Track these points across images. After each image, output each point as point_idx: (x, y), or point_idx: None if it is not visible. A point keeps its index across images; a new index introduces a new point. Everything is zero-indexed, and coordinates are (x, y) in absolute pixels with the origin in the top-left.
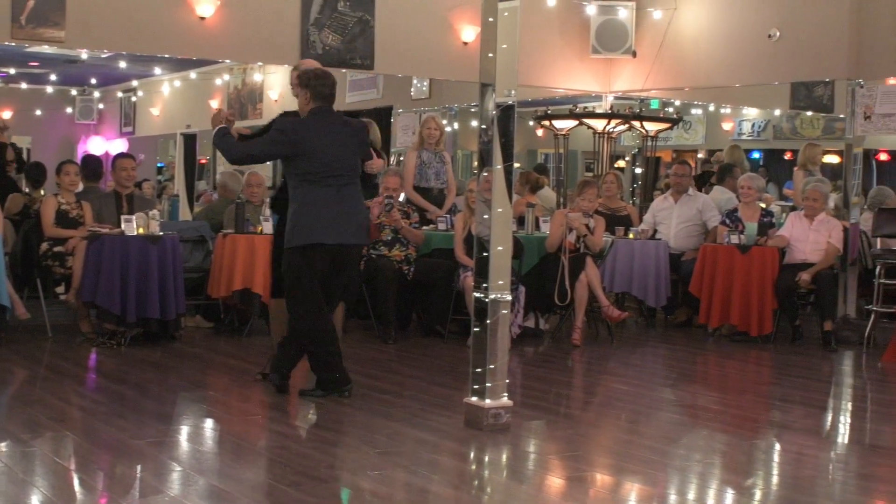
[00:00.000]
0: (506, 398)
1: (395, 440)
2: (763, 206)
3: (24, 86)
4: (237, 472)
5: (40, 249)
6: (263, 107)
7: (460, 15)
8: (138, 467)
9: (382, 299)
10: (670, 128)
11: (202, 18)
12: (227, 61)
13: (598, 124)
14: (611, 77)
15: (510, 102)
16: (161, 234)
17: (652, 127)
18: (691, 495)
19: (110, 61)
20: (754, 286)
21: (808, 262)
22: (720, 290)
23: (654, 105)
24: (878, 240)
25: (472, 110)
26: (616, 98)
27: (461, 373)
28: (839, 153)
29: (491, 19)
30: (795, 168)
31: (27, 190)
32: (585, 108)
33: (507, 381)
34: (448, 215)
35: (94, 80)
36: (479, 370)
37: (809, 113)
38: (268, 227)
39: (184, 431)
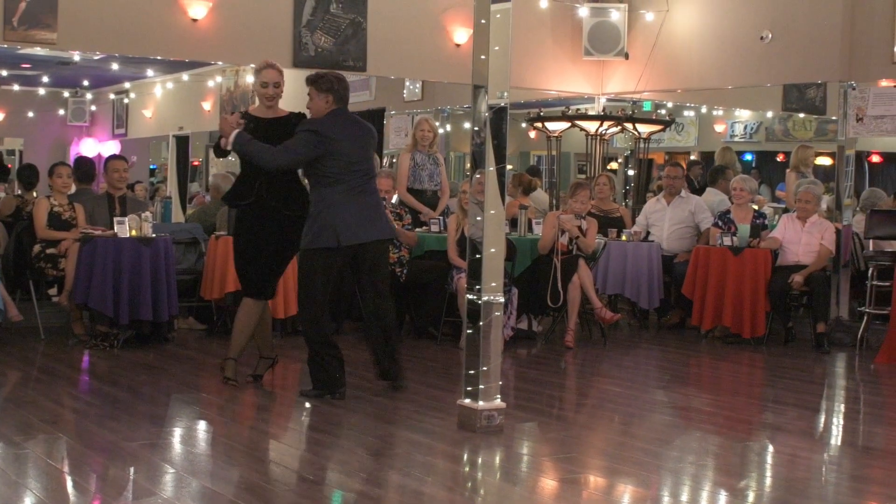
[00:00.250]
0: (499, 400)
1: (388, 442)
2: (755, 207)
3: (16, 88)
4: (230, 473)
5: (33, 251)
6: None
7: (453, 17)
8: (131, 469)
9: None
10: (663, 130)
11: (194, 20)
12: (220, 63)
13: (591, 126)
14: (603, 79)
15: (502, 104)
16: (154, 235)
17: (644, 129)
18: (684, 497)
19: (103, 63)
20: (747, 288)
21: (801, 263)
22: (713, 292)
23: (647, 107)
24: (871, 241)
25: (465, 112)
26: (608, 100)
27: (454, 375)
28: (831, 155)
29: (483, 21)
30: (788, 170)
31: (19, 192)
32: (578, 109)
33: (501, 382)
34: (441, 217)
35: (86, 82)
36: (472, 372)
37: (802, 115)
38: None
39: (177, 433)
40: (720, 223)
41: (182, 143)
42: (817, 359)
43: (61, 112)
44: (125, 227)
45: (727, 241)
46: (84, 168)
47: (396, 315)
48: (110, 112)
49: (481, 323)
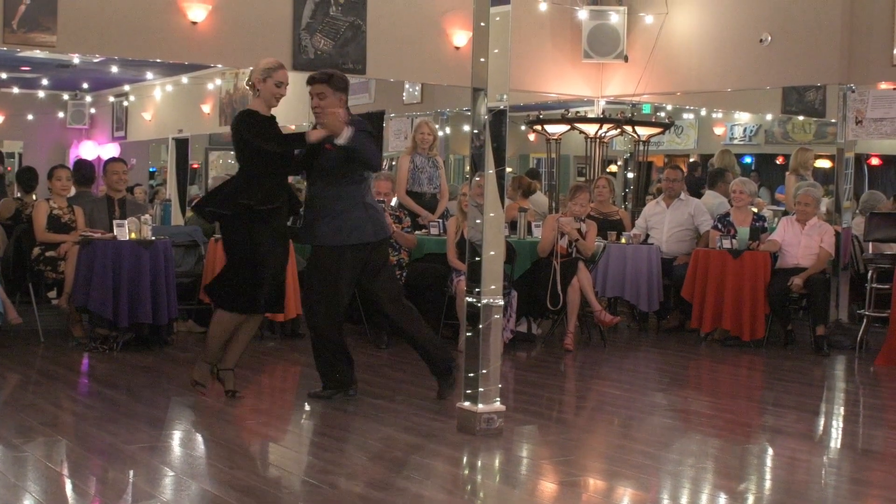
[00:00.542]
0: (498, 403)
1: (387, 445)
2: (755, 210)
3: (15, 90)
4: (230, 476)
5: (32, 254)
6: None
7: (452, 20)
8: (130, 472)
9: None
10: (662, 132)
11: (194, 23)
12: (219, 66)
13: (590, 129)
14: (602, 82)
15: (502, 107)
16: (153, 238)
17: (644, 131)
18: (684, 500)
19: (102, 66)
20: (746, 291)
21: (800, 266)
22: (712, 295)
23: (646, 110)
24: (870, 244)
25: (465, 115)
26: (608, 103)
27: (454, 377)
28: (831, 158)
29: (483, 24)
30: (787, 173)
31: (19, 195)
32: (577, 112)
33: (500, 385)
34: (441, 220)
35: (85, 85)
36: (471, 375)
37: (801, 117)
38: None
39: (176, 436)
40: (720, 226)
41: (181, 145)
42: (817, 361)
43: (61, 115)
44: (125, 230)
45: (727, 243)
46: (83, 171)
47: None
48: (110, 115)
49: (481, 326)
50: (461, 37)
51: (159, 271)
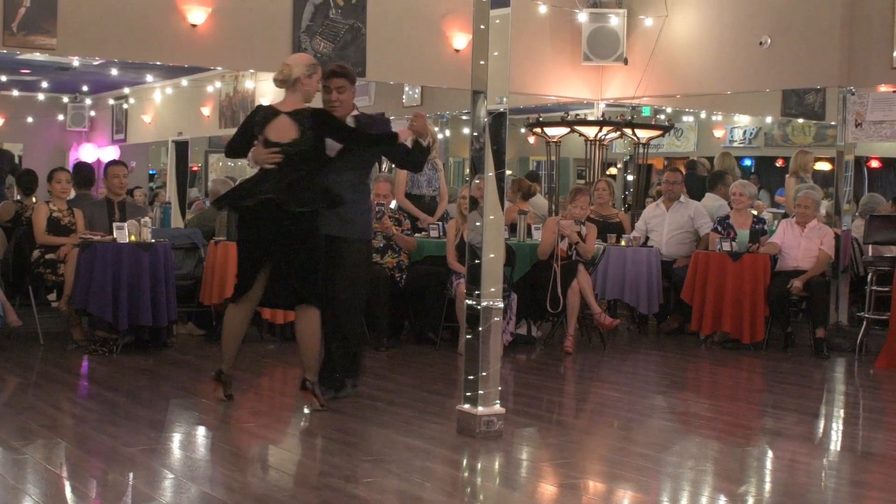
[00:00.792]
0: (498, 405)
1: (387, 447)
2: (755, 213)
3: (15, 93)
4: (229, 479)
5: (32, 257)
6: None
7: (452, 22)
8: (130, 475)
9: (374, 306)
10: (662, 135)
11: (194, 26)
12: (219, 69)
13: (590, 131)
14: (602, 84)
15: (502, 110)
16: (153, 241)
17: (643, 134)
18: (684, 502)
19: (102, 69)
20: (746, 293)
21: (800, 269)
22: (712, 297)
23: (646, 112)
24: (870, 247)
25: (464, 117)
26: (608, 105)
27: (453, 380)
28: (831, 160)
29: (482, 26)
30: (787, 175)
31: (19, 197)
32: (577, 115)
33: (500, 388)
34: (440, 223)
35: (85, 88)
36: (471, 377)
37: (801, 120)
38: None
39: (176, 439)
40: (719, 228)
41: (181, 148)
42: (816, 364)
43: (60, 117)
44: (124, 233)
45: (726, 246)
46: (83, 173)
47: (390, 321)
48: (109, 117)
49: (480, 328)
50: (461, 39)
51: (159, 274)
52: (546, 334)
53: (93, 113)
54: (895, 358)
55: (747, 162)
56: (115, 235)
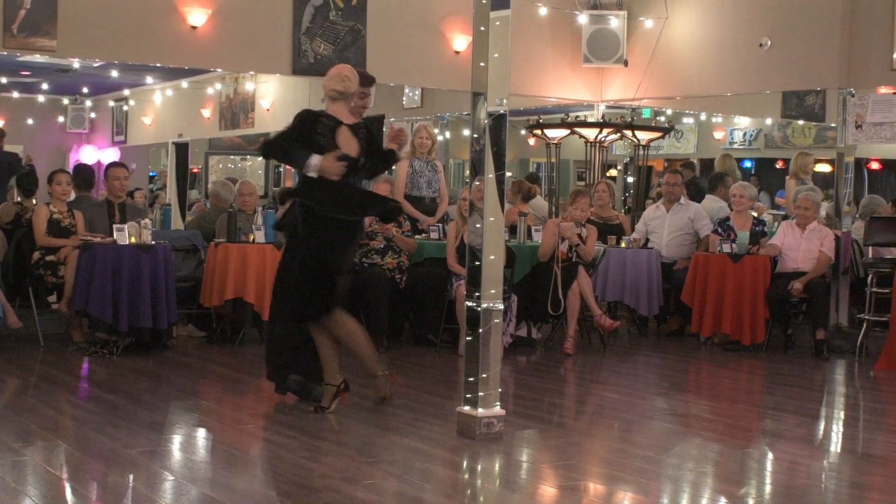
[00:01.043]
0: (498, 407)
1: (387, 449)
2: (755, 214)
3: (15, 95)
4: (230, 481)
5: (32, 258)
6: (255, 116)
7: (452, 24)
8: (130, 476)
9: (375, 308)
10: (662, 137)
11: (194, 28)
12: (219, 70)
13: (590, 133)
14: (602, 86)
15: (502, 111)
16: (153, 243)
17: (644, 136)
18: None
19: (102, 70)
20: (746, 295)
21: (800, 270)
22: (712, 299)
23: (646, 114)
24: (870, 248)
25: (465, 119)
26: (608, 107)
27: (453, 382)
28: (831, 162)
29: (483, 28)
30: (787, 177)
31: (19, 199)
32: (577, 117)
33: (500, 390)
34: (440, 224)
35: (85, 90)
36: (471, 379)
37: (801, 122)
38: (260, 236)
39: (176, 441)
40: (719, 230)
41: (181, 150)
42: (817, 366)
43: (61, 119)
44: (124, 235)
45: (726, 247)
46: (83, 175)
47: (390, 322)
48: (110, 119)
49: (481, 330)
50: (461, 41)
51: (159, 275)
52: (546, 336)
53: (93, 115)
54: (895, 360)
55: (747, 164)
56: (115, 237)
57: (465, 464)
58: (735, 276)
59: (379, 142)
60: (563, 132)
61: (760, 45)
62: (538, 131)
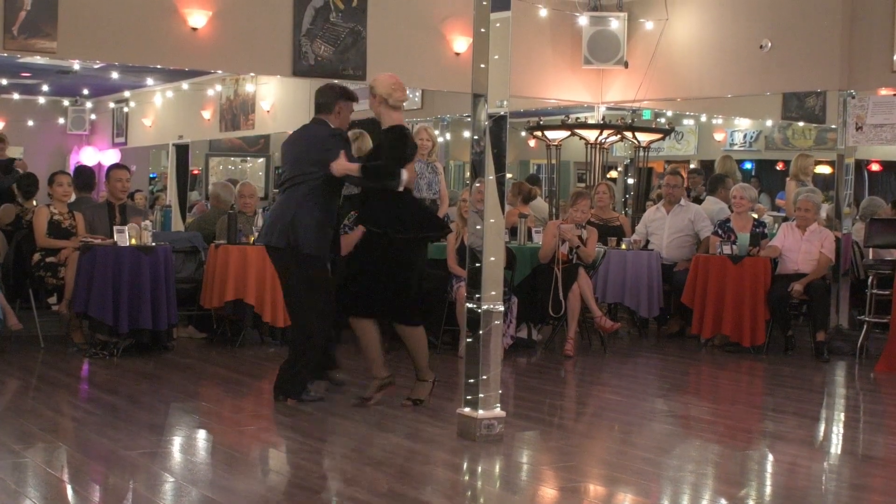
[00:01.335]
0: (499, 409)
1: (387, 451)
2: (755, 216)
3: (15, 96)
4: (230, 482)
5: (32, 260)
6: (256, 118)
7: (452, 26)
8: (131, 478)
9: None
10: (662, 138)
11: (194, 29)
12: (220, 72)
13: (591, 135)
14: (603, 88)
15: (502, 113)
16: (153, 244)
17: (644, 137)
18: None
19: (102, 72)
20: (746, 297)
21: (801, 272)
22: (712, 301)
23: (646, 115)
24: (871, 250)
25: (465, 121)
26: (608, 109)
27: (454, 383)
28: (831, 164)
29: (483, 30)
30: (787, 178)
31: (19, 200)
32: (577, 118)
33: (500, 391)
34: None
35: (86, 91)
36: (471, 381)
37: (801, 123)
38: None
39: (176, 442)
40: (720, 232)
41: (182, 151)
42: (817, 367)
43: (61, 121)
44: (125, 236)
45: (727, 249)
46: (84, 177)
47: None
48: (110, 121)
49: (481, 332)
50: (461, 43)
51: (159, 277)
52: (546, 338)
53: (93, 116)
54: (895, 361)
55: (748, 165)
56: (115, 239)
57: (465, 465)
58: (735, 277)
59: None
60: (563, 134)
61: (761, 46)
62: (538, 133)
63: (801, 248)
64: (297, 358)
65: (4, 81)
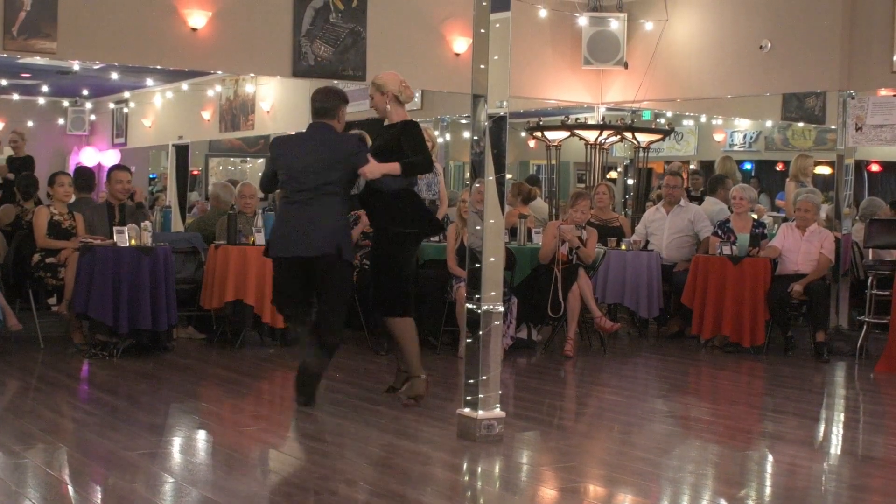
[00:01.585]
0: (498, 409)
1: (387, 451)
2: (755, 216)
3: (15, 97)
4: (230, 483)
5: (32, 260)
6: (255, 118)
7: (452, 26)
8: (131, 479)
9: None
10: (662, 139)
11: (194, 30)
12: (219, 73)
13: (590, 135)
14: (602, 88)
15: (502, 113)
16: (153, 245)
17: (644, 138)
18: None
19: (102, 72)
20: (746, 297)
21: (800, 272)
22: (712, 301)
23: (646, 116)
24: (870, 250)
25: (464, 121)
26: (608, 109)
27: (453, 384)
28: (831, 164)
29: (483, 31)
30: (787, 179)
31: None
32: (577, 119)
33: (500, 392)
34: None
35: (85, 92)
36: (471, 381)
37: (801, 124)
38: (260, 238)
39: (176, 443)
40: (720, 232)
41: (181, 152)
42: (817, 368)
43: (61, 121)
44: (125, 237)
45: (726, 250)
46: (84, 177)
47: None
48: (110, 121)
49: (481, 332)
50: (461, 43)
51: (159, 278)
52: (546, 338)
53: (93, 117)
54: (895, 362)
55: (747, 166)
56: (115, 239)
57: (465, 466)
58: (735, 278)
59: None
60: (563, 134)
61: (760, 47)
62: (538, 133)
63: (801, 249)
64: (327, 364)
65: (4, 82)
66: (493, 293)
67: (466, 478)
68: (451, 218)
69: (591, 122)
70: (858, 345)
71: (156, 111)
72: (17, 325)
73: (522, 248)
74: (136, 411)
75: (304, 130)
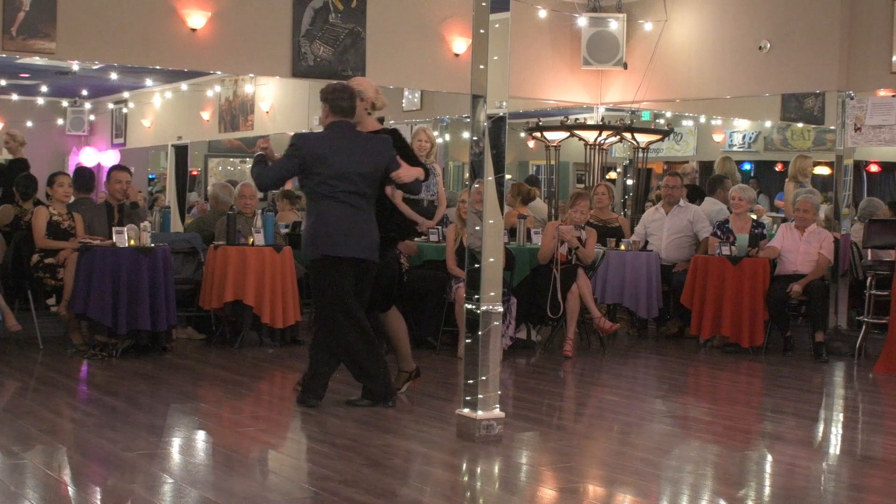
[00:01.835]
0: (498, 409)
1: (386, 452)
2: (754, 217)
3: (14, 97)
4: (229, 484)
5: (31, 261)
6: (255, 118)
7: (451, 27)
8: (130, 479)
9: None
10: (661, 139)
11: (193, 30)
12: (219, 73)
13: (590, 136)
14: (602, 88)
15: (501, 114)
16: (152, 245)
17: (643, 138)
18: None
19: (101, 73)
20: (745, 297)
21: (799, 273)
22: (711, 302)
23: (646, 116)
24: (869, 251)
25: (464, 122)
26: (607, 109)
27: (453, 384)
28: (830, 164)
29: (482, 31)
30: (786, 179)
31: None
32: (577, 119)
33: (499, 392)
34: (439, 227)
35: (85, 92)
36: (470, 382)
37: (800, 124)
38: (259, 238)
39: (175, 443)
40: (719, 232)
41: (181, 152)
42: (816, 368)
43: (60, 122)
44: (124, 237)
45: (726, 250)
46: (83, 178)
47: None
48: (109, 122)
49: (480, 332)
50: (460, 44)
51: (158, 278)
52: (545, 339)
53: (92, 117)
54: (894, 362)
55: (747, 166)
56: (114, 240)
57: (464, 466)
58: (734, 278)
59: None
60: (562, 134)
61: (760, 47)
62: (538, 134)
63: (800, 249)
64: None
65: (3, 82)
66: (492, 293)
67: (466, 478)
68: (451, 218)
69: (590, 122)
70: (857, 345)
71: (155, 111)
72: (16, 325)
73: (522, 248)
74: (136, 412)
75: (330, 128)
